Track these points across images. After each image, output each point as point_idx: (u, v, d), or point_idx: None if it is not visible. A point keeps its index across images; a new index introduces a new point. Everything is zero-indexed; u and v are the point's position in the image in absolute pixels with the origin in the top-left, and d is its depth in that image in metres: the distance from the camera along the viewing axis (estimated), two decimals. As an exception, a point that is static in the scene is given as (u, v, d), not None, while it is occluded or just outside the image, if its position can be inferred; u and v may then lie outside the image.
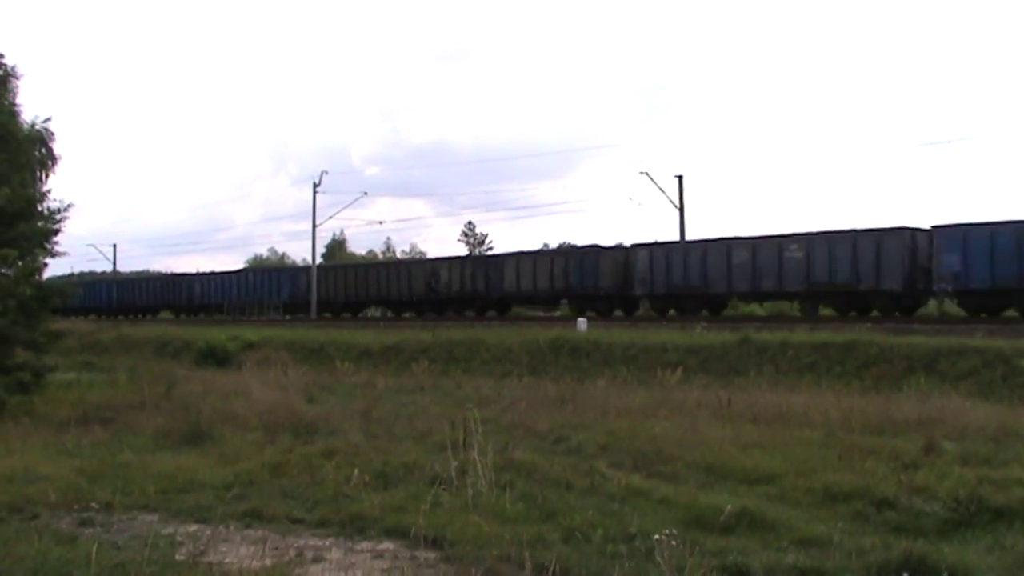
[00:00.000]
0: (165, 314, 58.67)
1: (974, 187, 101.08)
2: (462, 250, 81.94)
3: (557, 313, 39.70)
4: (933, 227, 27.62)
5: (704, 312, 31.61)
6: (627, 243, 36.27)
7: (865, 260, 27.95)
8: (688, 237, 37.41)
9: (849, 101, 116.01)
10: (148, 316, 58.00)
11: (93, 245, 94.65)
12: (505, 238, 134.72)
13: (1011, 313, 26.08)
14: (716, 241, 32.92)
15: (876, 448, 9.76)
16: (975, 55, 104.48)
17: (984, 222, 26.64)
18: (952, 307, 29.74)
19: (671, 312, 33.01)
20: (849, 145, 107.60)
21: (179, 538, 6.91)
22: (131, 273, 78.21)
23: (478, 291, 39.62)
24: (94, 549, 5.91)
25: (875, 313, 28.79)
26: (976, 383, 16.93)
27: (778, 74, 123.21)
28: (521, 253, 40.30)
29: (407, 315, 42.67)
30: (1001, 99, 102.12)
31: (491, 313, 39.69)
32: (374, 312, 46.94)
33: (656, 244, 34.96)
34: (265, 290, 51.05)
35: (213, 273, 58.27)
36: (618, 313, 35.49)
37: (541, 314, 40.09)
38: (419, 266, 45.14)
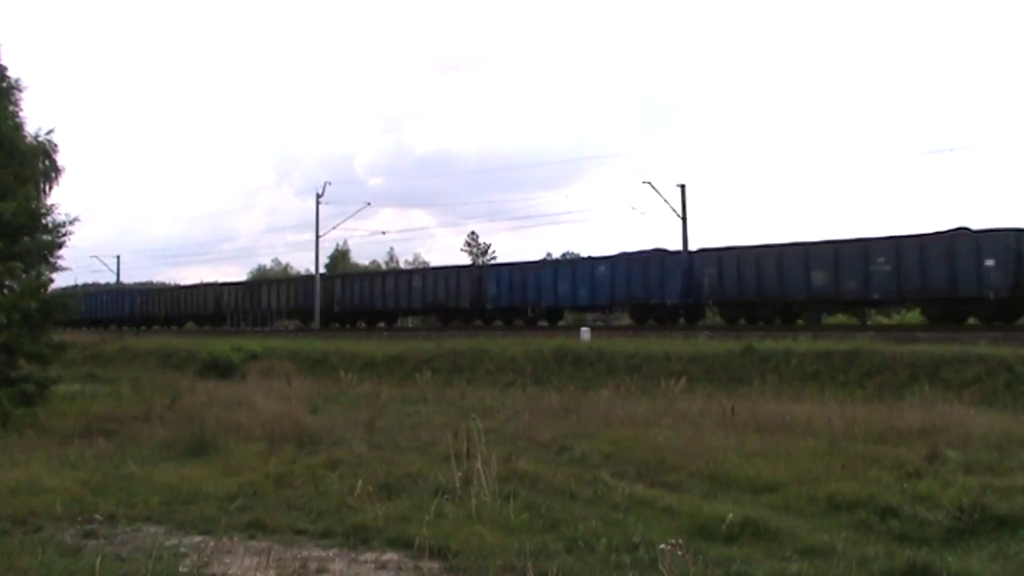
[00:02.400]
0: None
1: (976, 195, 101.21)
2: (466, 260, 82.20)
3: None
4: (483, 265, 43.58)
5: (381, 324, 44.99)
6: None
7: (451, 286, 41.35)
8: (691, 246, 37.51)
9: (851, 110, 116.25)
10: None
11: (96, 256, 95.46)
12: (509, 248, 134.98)
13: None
14: (385, 272, 55.57)
15: (879, 457, 9.77)
16: (977, 63, 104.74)
17: (505, 263, 41.71)
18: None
19: (360, 323, 46.65)
20: (851, 153, 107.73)
21: (183, 550, 6.92)
22: (133, 284, 78.57)
23: (245, 308, 53.16)
24: (98, 561, 5.94)
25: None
26: (979, 391, 16.86)
27: (781, 83, 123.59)
28: (269, 281, 59.98)
29: (206, 327, 53.95)
30: (1003, 107, 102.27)
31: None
32: (190, 324, 58.40)
33: (344, 275, 51.40)
34: (116, 306, 62.38)
35: (87, 293, 67.40)
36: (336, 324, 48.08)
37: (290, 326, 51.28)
38: (210, 289, 58.13)
